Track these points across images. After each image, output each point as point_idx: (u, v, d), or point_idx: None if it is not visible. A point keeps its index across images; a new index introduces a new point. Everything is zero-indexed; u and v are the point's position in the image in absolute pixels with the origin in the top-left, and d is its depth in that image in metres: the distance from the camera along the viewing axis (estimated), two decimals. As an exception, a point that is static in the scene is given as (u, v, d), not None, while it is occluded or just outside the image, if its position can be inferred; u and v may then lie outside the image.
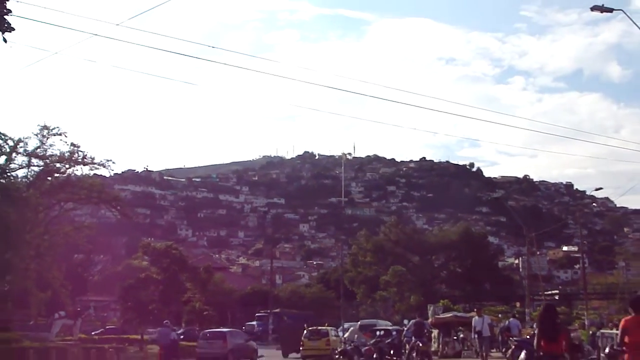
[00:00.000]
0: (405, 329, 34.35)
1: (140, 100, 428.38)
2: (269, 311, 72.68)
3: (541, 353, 14.56)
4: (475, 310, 39.71)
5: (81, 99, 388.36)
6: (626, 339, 13.09)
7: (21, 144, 46.87)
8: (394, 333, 36.84)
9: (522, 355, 22.00)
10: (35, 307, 49.83)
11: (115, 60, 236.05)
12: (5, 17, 10.57)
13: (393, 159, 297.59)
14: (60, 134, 48.31)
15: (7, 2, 10.65)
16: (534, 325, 44.36)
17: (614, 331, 34.80)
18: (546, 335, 14.43)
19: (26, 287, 46.36)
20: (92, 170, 51.40)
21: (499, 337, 38.73)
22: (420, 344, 29.45)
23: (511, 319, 37.67)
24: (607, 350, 15.36)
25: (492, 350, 36.03)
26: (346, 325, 71.63)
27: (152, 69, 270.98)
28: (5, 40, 10.62)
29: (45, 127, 47.83)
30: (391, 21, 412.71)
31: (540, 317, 15.46)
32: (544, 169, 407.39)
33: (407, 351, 30.10)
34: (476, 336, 33.68)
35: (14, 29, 10.64)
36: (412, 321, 31.49)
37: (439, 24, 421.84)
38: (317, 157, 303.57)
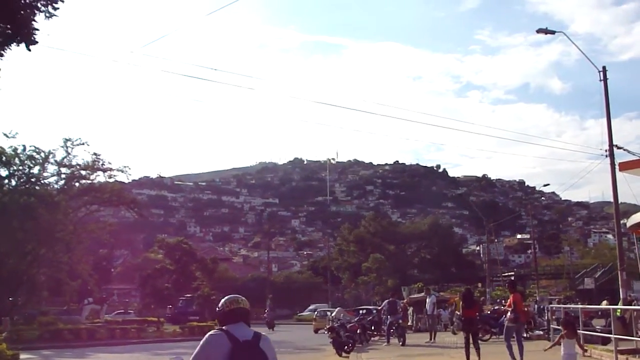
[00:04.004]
0: (382, 307, 34.58)
1: (153, 116, 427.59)
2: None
3: (462, 318, 20.38)
4: (424, 290, 39.62)
5: (102, 116, 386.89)
6: (518, 308, 17.97)
7: (51, 155, 46.91)
8: (374, 312, 37.06)
9: (455, 324, 27.69)
10: (68, 294, 49.98)
11: (132, 82, 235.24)
12: (33, 34, 10.60)
13: (371, 163, 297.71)
14: (83, 144, 48.35)
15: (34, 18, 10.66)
16: (503, 302, 44.77)
17: (561, 305, 35.29)
18: (466, 306, 19.87)
19: (59, 278, 46.52)
20: (111, 177, 51.38)
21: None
22: (401, 321, 29.76)
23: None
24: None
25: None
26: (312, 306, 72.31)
27: (163, 88, 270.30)
28: (29, 50, 10.64)
29: (69, 139, 47.87)
30: (365, 45, 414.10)
31: (463, 296, 21.00)
32: (500, 168, 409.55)
33: (385, 326, 30.38)
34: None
35: (37, 42, 10.66)
36: (386, 301, 31.66)
37: (406, 47, 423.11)
38: (305, 162, 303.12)
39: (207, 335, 4.82)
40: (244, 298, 5.22)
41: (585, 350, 17.69)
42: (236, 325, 4.91)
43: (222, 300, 5.17)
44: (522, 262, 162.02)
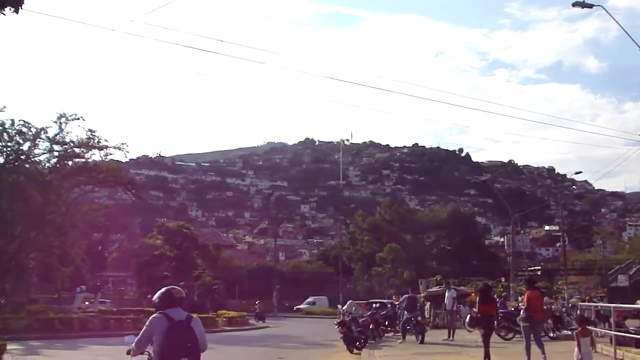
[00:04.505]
0: (399, 302, 34.46)
1: (153, 91, 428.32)
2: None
3: (478, 314, 20.37)
4: (443, 283, 39.49)
5: (99, 90, 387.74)
6: (532, 306, 18.25)
7: (43, 131, 46.73)
8: (389, 306, 37.02)
9: (467, 318, 27.18)
10: (59, 281, 50.10)
11: (131, 53, 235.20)
12: None
13: (387, 145, 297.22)
14: (78, 119, 47.95)
15: None
16: (519, 299, 44.68)
17: (592, 304, 35.15)
18: (484, 303, 19.95)
19: (50, 263, 46.65)
20: (107, 155, 51.27)
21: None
22: (420, 318, 29.70)
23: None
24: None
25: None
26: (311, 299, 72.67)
27: (164, 61, 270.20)
28: (17, 12, 10.45)
29: (63, 115, 47.61)
30: (383, 17, 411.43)
31: (480, 291, 21.29)
32: (527, 154, 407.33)
33: (400, 322, 30.33)
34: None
35: (23, 2, 10.48)
36: (406, 296, 31.55)
37: (428, 20, 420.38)
38: (317, 143, 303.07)
39: (151, 317, 7.03)
40: (179, 288, 7.36)
41: (595, 349, 17.98)
42: (173, 309, 7.05)
43: (162, 290, 7.31)
44: (550, 255, 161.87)
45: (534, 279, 22.24)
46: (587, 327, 13.91)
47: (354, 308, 28.96)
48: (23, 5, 10.52)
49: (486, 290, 21.34)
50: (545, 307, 23.53)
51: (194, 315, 7.16)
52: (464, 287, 58.65)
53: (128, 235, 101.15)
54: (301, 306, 75.92)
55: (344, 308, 30.22)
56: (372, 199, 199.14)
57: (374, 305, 42.23)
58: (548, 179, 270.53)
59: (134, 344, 7.22)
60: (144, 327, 6.98)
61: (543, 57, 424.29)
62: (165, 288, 7.33)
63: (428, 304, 40.65)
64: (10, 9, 10.32)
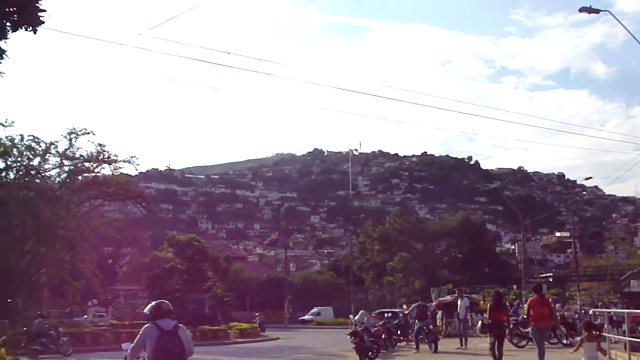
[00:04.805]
0: (410, 310, 34.35)
1: (162, 104, 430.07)
2: None
3: (490, 321, 21.01)
4: (457, 292, 39.27)
5: (108, 104, 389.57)
6: (531, 312, 18.51)
7: (53, 146, 46.84)
8: (401, 315, 36.93)
9: (479, 324, 27.12)
10: (71, 295, 50.20)
11: (139, 67, 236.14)
12: (39, 13, 10.41)
13: (396, 154, 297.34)
14: (88, 133, 47.91)
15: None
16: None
17: (604, 310, 34.96)
18: (495, 309, 20.63)
19: (62, 278, 46.68)
20: (117, 169, 51.28)
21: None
22: (432, 327, 29.61)
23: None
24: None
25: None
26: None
27: (173, 74, 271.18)
28: (35, 32, 10.47)
29: (73, 130, 47.63)
30: (390, 27, 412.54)
31: (492, 299, 22.23)
32: (537, 160, 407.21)
33: (413, 331, 30.23)
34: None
35: (43, 22, 10.50)
36: (415, 304, 31.49)
37: (435, 29, 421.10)
38: (326, 154, 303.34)
39: (144, 327, 8.42)
40: (167, 302, 8.83)
41: (605, 353, 17.90)
42: (163, 320, 8.38)
43: (152, 303, 8.75)
44: (562, 262, 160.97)
45: (540, 286, 22.10)
46: (594, 332, 14.02)
47: (365, 318, 28.87)
48: (42, 25, 10.57)
49: (497, 297, 21.87)
50: (553, 314, 23.46)
51: (181, 325, 8.55)
52: (475, 295, 58.53)
53: (138, 248, 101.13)
54: (305, 317, 75.65)
55: (355, 318, 30.12)
56: (382, 208, 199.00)
57: (385, 314, 42.12)
58: (558, 186, 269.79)
59: (129, 350, 8.62)
60: (138, 336, 8.40)
61: (550, 64, 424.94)
62: (155, 302, 8.82)
63: (440, 312, 40.54)
64: (28, 28, 10.36)
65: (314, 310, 77.53)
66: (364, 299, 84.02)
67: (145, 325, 8.43)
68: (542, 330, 19.25)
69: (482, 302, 37.44)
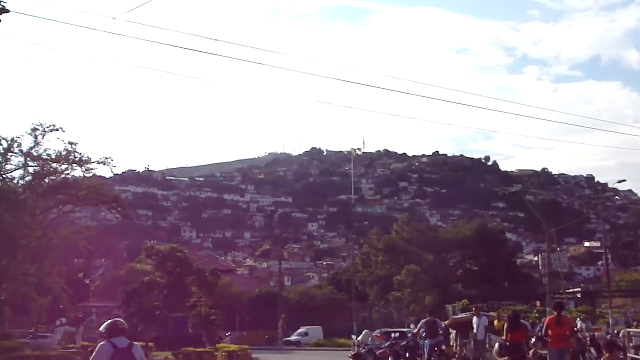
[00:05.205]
0: (418, 328, 34.22)
1: (139, 97, 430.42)
2: None
3: (507, 343, 21.56)
4: (473, 309, 39.05)
5: (77, 97, 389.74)
6: (549, 332, 18.92)
7: (16, 144, 46.56)
8: (409, 335, 36.79)
9: (496, 346, 28.00)
10: (36, 313, 49.99)
11: (113, 55, 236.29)
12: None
13: (404, 154, 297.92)
14: (56, 130, 47.63)
15: None
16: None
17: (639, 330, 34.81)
18: (512, 329, 21.09)
19: (25, 294, 46.47)
20: (89, 170, 51.04)
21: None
22: (444, 347, 29.44)
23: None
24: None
25: None
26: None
27: (152, 63, 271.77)
28: None
29: (39, 126, 47.26)
30: (397, 10, 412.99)
31: (508, 319, 22.63)
32: (563, 161, 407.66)
33: (425, 353, 30.07)
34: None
35: (8, 11, 10.45)
36: (423, 320, 31.35)
37: (447, 13, 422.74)
38: (325, 153, 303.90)
39: (99, 345, 9.44)
40: (122, 320, 9.95)
41: None
42: (117, 338, 9.46)
43: (108, 321, 9.79)
44: (591, 275, 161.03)
45: (561, 305, 21.79)
46: (617, 353, 14.21)
47: (370, 338, 28.79)
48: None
49: (514, 317, 22.46)
50: (574, 335, 23.50)
51: (135, 343, 9.72)
52: (493, 312, 58.36)
53: (113, 260, 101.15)
54: (291, 338, 75.20)
55: (359, 339, 30.09)
56: (388, 214, 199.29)
57: (392, 334, 41.98)
58: (587, 189, 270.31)
59: None
60: (94, 353, 9.50)
61: (578, 52, 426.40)
62: (110, 320, 9.90)
63: (454, 332, 40.38)
64: None
65: (301, 330, 77.19)
66: (368, 317, 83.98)
67: (100, 343, 9.51)
68: (562, 352, 19.32)
69: (496, 321, 37.04)
